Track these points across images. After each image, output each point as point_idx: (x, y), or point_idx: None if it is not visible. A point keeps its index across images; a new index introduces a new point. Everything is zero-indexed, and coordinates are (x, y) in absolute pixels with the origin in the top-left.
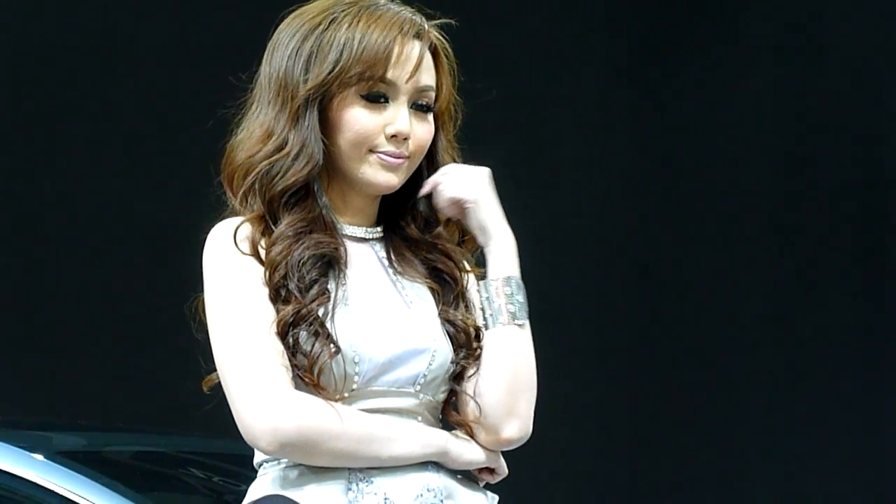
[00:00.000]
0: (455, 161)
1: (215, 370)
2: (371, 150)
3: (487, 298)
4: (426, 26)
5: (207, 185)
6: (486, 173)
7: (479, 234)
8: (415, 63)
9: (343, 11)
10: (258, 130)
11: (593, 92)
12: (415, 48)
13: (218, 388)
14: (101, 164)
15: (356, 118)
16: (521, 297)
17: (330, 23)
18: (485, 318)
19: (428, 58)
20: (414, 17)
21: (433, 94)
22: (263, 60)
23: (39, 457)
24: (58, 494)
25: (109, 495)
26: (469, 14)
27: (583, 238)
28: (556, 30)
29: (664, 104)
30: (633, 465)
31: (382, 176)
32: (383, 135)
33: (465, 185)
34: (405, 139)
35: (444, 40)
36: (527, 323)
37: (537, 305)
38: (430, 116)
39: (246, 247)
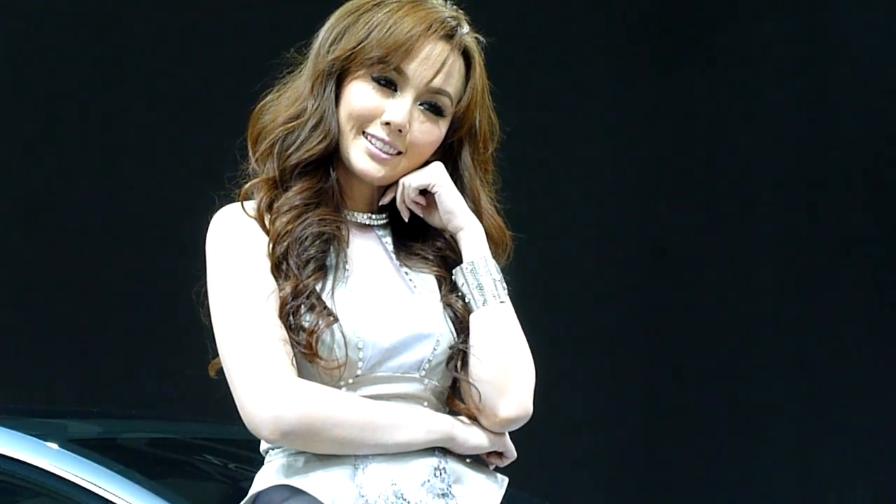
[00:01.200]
0: (484, 183)
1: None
2: (364, 133)
3: (465, 283)
4: (462, 31)
5: (219, 173)
6: (441, 165)
7: (450, 219)
8: (431, 63)
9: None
10: (289, 93)
11: (610, 77)
12: (437, 49)
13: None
14: (114, 157)
15: (359, 94)
16: (496, 275)
17: (375, 5)
18: (466, 303)
19: (454, 63)
20: (450, 21)
21: (447, 101)
22: None
23: (53, 445)
24: (71, 482)
25: (124, 483)
26: (480, 8)
27: (599, 223)
28: (574, 17)
29: (681, 89)
30: (648, 449)
31: (364, 163)
32: (379, 121)
33: (426, 174)
34: (399, 131)
35: (479, 52)
36: (507, 300)
37: (554, 292)
38: (442, 122)
39: (252, 218)
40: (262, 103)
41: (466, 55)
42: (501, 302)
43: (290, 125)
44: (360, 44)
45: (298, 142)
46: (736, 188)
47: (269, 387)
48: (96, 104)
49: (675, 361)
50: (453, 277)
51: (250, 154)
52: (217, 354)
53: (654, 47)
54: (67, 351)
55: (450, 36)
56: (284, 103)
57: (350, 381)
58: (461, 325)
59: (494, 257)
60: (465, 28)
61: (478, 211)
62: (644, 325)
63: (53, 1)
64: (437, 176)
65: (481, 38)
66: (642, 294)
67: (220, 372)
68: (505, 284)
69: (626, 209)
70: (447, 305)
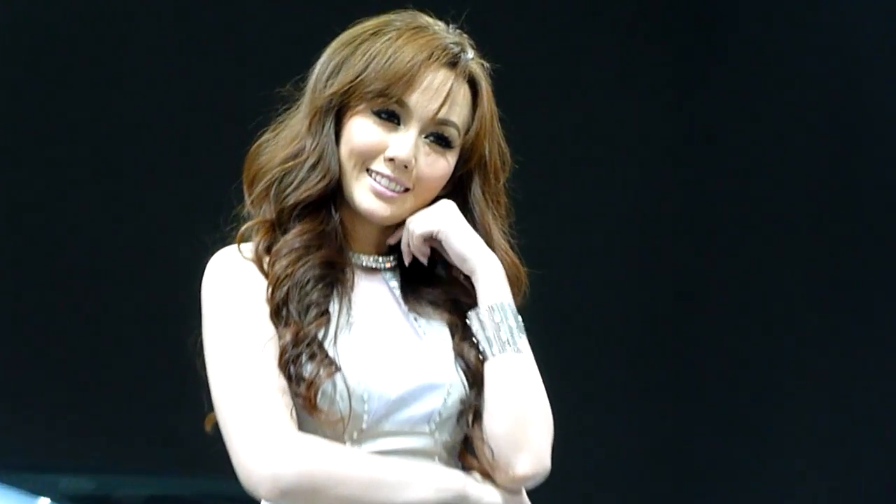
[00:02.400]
0: (497, 216)
1: None
2: (367, 170)
3: (480, 329)
4: (466, 58)
5: (215, 218)
6: (450, 204)
7: (462, 264)
8: (435, 92)
9: (391, 27)
10: (286, 132)
11: (629, 100)
12: (440, 77)
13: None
14: (105, 206)
15: (360, 129)
16: (512, 322)
17: (373, 34)
18: (480, 350)
19: (459, 92)
20: (453, 47)
21: (454, 132)
22: None
23: (46, 500)
24: None
25: None
26: (498, 10)
27: (615, 255)
28: (589, 39)
29: (701, 110)
30: (672, 492)
31: (370, 202)
32: (382, 156)
33: (432, 218)
34: (405, 167)
35: (486, 78)
36: (525, 349)
37: (570, 326)
38: (450, 154)
39: (250, 260)
40: (257, 143)
41: (472, 82)
42: (518, 350)
43: (287, 165)
44: (358, 76)
45: (296, 182)
46: (766, 227)
47: (267, 441)
48: (90, 147)
49: (702, 411)
50: (467, 321)
51: (246, 197)
52: (213, 407)
53: (674, 64)
54: (61, 404)
55: (453, 63)
56: (281, 143)
57: (354, 435)
58: (474, 378)
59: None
60: (470, 53)
61: (490, 247)
62: (668, 373)
63: (51, 39)
64: (441, 220)
65: (486, 64)
66: (665, 340)
67: (217, 426)
68: (523, 330)
69: (648, 249)
70: (459, 355)
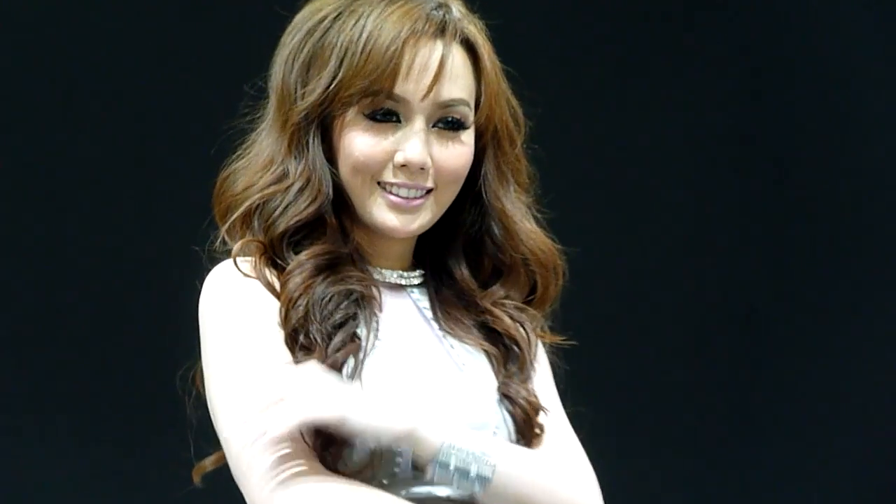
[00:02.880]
0: (518, 190)
1: (208, 455)
2: (379, 183)
3: (450, 488)
4: (454, 18)
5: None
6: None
7: (372, 442)
8: (429, 72)
9: (357, 2)
10: (262, 153)
11: (691, 107)
12: (433, 52)
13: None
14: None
15: (357, 142)
16: (456, 476)
17: (336, 17)
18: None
19: (456, 62)
20: (436, 11)
21: (465, 109)
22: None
23: None
24: None
25: None
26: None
27: (678, 278)
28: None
29: (774, 115)
30: None
31: (391, 219)
32: (392, 164)
33: (330, 403)
34: (421, 169)
35: (482, 34)
36: (488, 483)
37: (626, 360)
38: (466, 135)
39: (254, 279)
40: (227, 173)
41: (468, 44)
42: (487, 479)
43: (267, 192)
44: (334, 79)
45: (282, 206)
46: (845, 233)
47: (288, 482)
48: (88, 149)
49: (768, 447)
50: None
51: (221, 228)
52: (203, 455)
53: (748, 72)
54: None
55: (441, 30)
56: (255, 167)
57: (384, 481)
58: (521, 424)
59: (546, 286)
60: (456, 13)
61: (510, 236)
62: (731, 403)
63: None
64: (341, 405)
65: (478, 22)
66: (730, 364)
67: (207, 477)
68: (486, 459)
69: (711, 261)
70: (504, 396)
